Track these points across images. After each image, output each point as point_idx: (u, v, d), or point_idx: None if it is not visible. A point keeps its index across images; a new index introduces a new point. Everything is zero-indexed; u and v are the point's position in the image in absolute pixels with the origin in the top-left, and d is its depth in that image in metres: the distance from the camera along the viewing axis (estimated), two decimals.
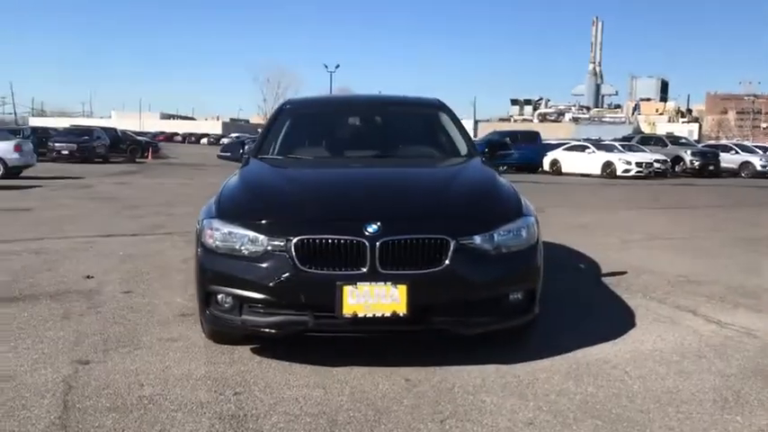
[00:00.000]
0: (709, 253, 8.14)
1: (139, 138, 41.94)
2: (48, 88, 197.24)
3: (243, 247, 3.75)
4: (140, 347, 4.17)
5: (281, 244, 3.65)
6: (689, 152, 30.69)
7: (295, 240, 3.62)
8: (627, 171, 26.70)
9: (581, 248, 8.04)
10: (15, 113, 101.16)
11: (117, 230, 9.20)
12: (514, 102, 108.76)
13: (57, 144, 30.86)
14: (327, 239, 3.61)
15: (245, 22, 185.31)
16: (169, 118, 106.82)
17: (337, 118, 5.93)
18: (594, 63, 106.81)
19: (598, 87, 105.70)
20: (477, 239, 3.75)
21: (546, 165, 30.19)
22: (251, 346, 4.13)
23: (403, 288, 3.56)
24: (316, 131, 5.72)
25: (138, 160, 35.27)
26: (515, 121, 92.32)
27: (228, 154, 5.42)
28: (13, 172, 19.96)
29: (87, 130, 34.63)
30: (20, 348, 4.11)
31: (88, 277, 6.09)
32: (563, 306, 5.29)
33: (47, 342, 4.24)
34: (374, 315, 3.57)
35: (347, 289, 3.55)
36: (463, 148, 5.38)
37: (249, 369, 3.81)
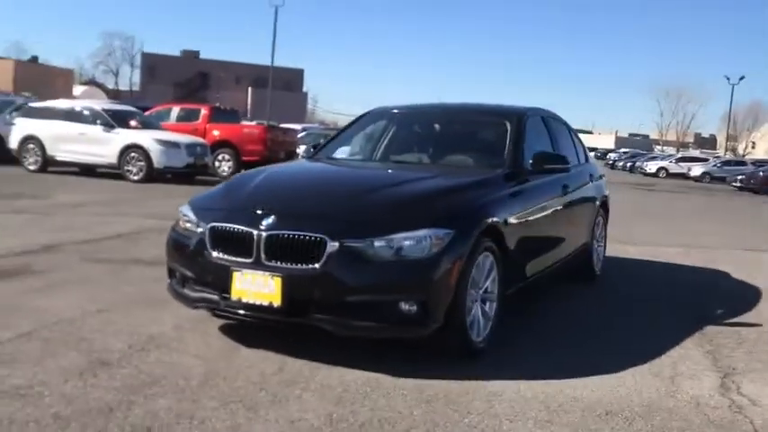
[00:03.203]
0: None
1: None
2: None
3: (189, 230, 4.33)
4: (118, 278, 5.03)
5: (203, 230, 4.16)
6: None
7: (208, 226, 4.11)
8: None
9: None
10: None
11: None
12: None
13: None
14: (228, 228, 4.04)
15: (648, 32, 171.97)
16: None
17: (403, 124, 6.06)
18: None
19: None
20: (366, 242, 3.80)
21: None
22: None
23: (278, 280, 3.82)
24: (375, 136, 5.95)
25: None
26: None
27: (305, 154, 5.96)
28: None
29: None
30: None
31: None
32: (606, 341, 4.86)
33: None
34: (254, 302, 3.89)
35: (236, 274, 3.94)
36: (504, 160, 5.14)
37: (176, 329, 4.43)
